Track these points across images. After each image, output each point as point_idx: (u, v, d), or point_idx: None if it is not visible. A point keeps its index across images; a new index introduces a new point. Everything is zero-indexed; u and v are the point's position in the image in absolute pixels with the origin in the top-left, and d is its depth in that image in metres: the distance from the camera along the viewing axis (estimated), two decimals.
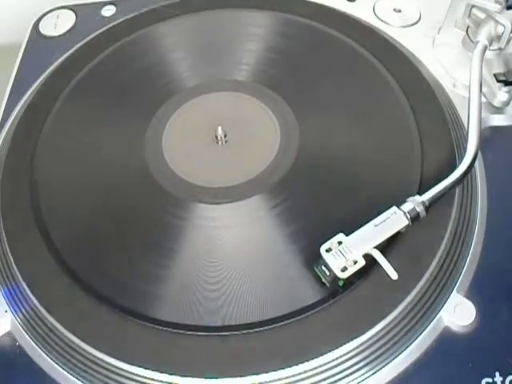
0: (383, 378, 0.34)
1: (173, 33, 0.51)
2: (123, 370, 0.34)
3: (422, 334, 0.35)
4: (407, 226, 0.35)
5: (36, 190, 0.41)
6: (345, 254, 0.34)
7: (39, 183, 0.42)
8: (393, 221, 0.35)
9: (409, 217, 0.35)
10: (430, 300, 0.35)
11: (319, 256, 0.34)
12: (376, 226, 0.35)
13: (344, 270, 0.34)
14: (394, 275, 0.33)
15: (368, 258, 0.34)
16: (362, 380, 0.34)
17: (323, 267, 0.34)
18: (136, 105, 0.47)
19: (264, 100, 0.46)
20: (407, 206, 0.36)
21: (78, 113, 0.46)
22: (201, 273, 0.37)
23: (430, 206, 0.36)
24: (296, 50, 0.49)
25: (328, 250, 0.34)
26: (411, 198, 0.36)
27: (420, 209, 0.35)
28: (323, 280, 0.35)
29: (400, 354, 0.34)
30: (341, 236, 0.35)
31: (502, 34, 0.44)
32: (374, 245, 0.34)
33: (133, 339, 0.34)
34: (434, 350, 0.35)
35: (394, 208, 0.36)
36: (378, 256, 0.34)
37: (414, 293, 0.35)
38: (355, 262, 0.34)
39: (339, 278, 0.34)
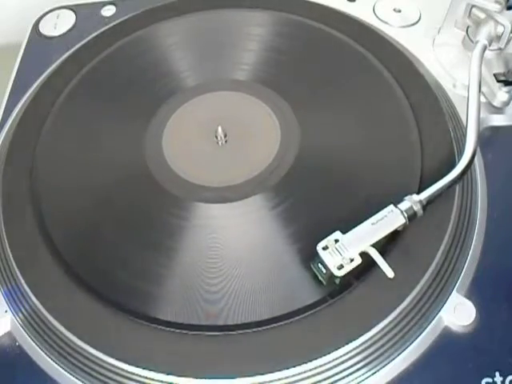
0: (383, 377, 0.34)
1: (173, 33, 0.51)
2: (123, 369, 0.34)
3: (422, 334, 0.35)
4: (404, 225, 0.35)
5: (36, 190, 0.41)
6: (341, 251, 0.34)
7: (39, 183, 0.42)
8: (390, 219, 0.35)
9: (406, 215, 0.35)
10: (430, 300, 0.35)
11: (316, 254, 0.34)
12: (373, 224, 0.35)
13: (340, 267, 0.34)
14: (390, 273, 0.33)
15: (366, 257, 0.34)
16: (362, 380, 0.34)
17: (320, 265, 0.35)
18: (136, 105, 0.47)
19: (264, 99, 0.46)
20: (404, 205, 0.36)
21: (78, 113, 0.46)
22: (200, 273, 0.37)
23: (427, 205, 0.36)
24: (296, 49, 0.49)
25: (325, 248, 0.34)
26: (408, 197, 0.36)
27: (417, 207, 0.35)
28: (320, 278, 0.35)
29: (400, 354, 0.34)
30: (337, 234, 0.35)
31: (502, 33, 0.44)
32: (371, 243, 0.34)
33: (133, 339, 0.34)
34: (434, 350, 0.35)
35: (391, 206, 0.36)
36: (375, 254, 0.34)
37: (413, 293, 0.35)
38: (352, 260, 0.34)
39: (335, 276, 0.34)
